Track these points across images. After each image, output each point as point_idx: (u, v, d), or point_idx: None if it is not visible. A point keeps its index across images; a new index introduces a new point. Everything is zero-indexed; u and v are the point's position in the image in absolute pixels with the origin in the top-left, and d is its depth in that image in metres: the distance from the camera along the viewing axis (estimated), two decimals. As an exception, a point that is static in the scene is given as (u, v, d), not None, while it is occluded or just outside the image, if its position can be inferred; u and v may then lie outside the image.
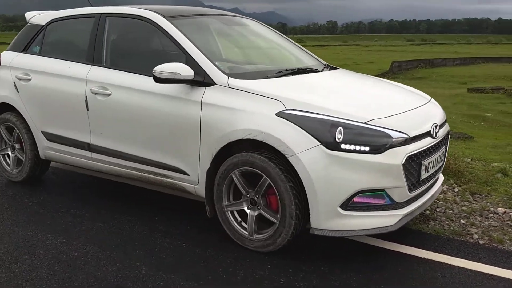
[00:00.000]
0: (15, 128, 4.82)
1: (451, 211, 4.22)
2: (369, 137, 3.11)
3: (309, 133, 3.11)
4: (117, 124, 4.04)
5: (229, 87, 3.49)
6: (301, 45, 4.94)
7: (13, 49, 4.95)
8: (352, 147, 3.08)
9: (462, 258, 3.39)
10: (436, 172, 3.68)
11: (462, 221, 4.02)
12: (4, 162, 5.05)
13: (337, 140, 3.07)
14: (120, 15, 4.27)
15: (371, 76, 4.65)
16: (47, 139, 4.59)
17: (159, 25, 3.93)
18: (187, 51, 3.72)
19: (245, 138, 3.31)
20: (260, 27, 4.93)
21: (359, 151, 3.08)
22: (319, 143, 3.08)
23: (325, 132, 3.09)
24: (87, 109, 4.16)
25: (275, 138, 3.18)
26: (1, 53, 5.02)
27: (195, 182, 3.69)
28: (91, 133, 4.22)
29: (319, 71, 4.21)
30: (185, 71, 3.54)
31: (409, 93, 4.04)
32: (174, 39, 3.82)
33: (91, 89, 4.12)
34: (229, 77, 3.55)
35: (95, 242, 3.61)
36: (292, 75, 3.95)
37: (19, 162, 4.95)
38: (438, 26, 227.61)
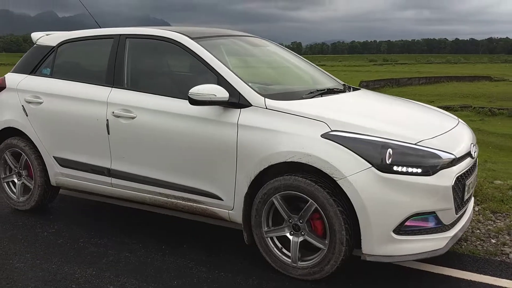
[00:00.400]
0: (23, 154, 4.58)
1: (478, 231, 4.22)
2: (420, 158, 3.07)
3: (358, 155, 3.04)
4: (142, 148, 3.88)
5: (266, 108, 3.40)
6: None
7: (20, 71, 4.73)
8: (404, 169, 3.03)
9: (507, 278, 3.37)
10: (472, 192, 3.68)
11: (492, 240, 4.02)
12: (8, 189, 4.79)
13: (388, 162, 3.02)
14: (142, 37, 4.14)
15: (394, 96, 4.64)
16: (60, 165, 4.38)
17: (186, 47, 3.82)
18: (219, 73, 3.62)
19: (288, 160, 3.21)
20: (277, 47, 4.88)
21: (411, 173, 3.03)
22: (370, 165, 3.01)
23: (375, 154, 3.03)
24: (108, 133, 3.99)
25: (322, 161, 3.09)
26: (5, 76, 4.80)
27: (229, 207, 3.57)
28: (111, 158, 4.05)
29: (346, 91, 4.17)
30: (221, 92, 3.44)
31: (439, 113, 4.04)
32: (204, 60, 3.71)
33: (113, 112, 3.95)
34: (266, 98, 3.46)
35: (127, 273, 3.43)
36: (322, 95, 3.90)
37: (26, 189, 4.71)
38: (398, 47, 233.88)
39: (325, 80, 4.54)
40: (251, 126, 3.39)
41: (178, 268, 3.52)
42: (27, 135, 4.53)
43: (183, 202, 3.78)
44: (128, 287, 3.24)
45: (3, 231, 4.24)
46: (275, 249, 3.39)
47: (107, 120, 3.98)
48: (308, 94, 3.79)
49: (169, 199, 3.86)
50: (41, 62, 4.60)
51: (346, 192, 3.04)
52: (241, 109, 3.46)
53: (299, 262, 3.29)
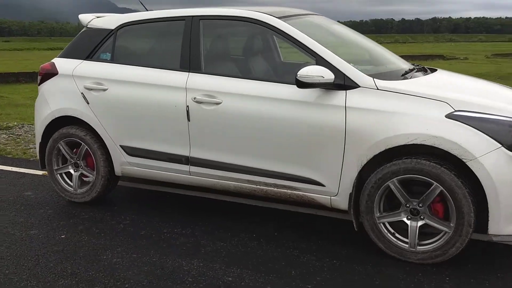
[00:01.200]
0: (82, 144, 4.35)
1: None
2: None
3: (487, 135, 3.05)
4: (229, 135, 3.76)
5: (378, 89, 3.36)
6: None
7: (71, 56, 4.46)
8: (531, 148, 3.05)
9: None
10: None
11: None
12: (62, 181, 4.55)
13: None
14: (218, 17, 3.98)
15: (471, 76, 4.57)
16: (129, 154, 4.19)
17: (275, 27, 3.70)
18: (318, 53, 3.52)
19: (409, 143, 3.19)
20: (341, 26, 4.76)
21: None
22: (500, 145, 3.03)
23: (504, 133, 3.05)
24: (188, 120, 3.84)
25: (450, 142, 3.08)
26: (53, 61, 4.51)
27: (332, 193, 3.53)
28: (190, 145, 3.91)
29: (432, 71, 4.11)
30: (327, 74, 3.35)
31: None
32: (299, 41, 3.60)
33: (194, 98, 3.80)
34: (375, 79, 3.41)
35: (236, 264, 3.33)
36: (421, 75, 3.83)
37: (83, 180, 4.49)
38: (347, 27, 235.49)
39: (395, 59, 4.36)
40: (362, 108, 3.34)
41: (285, 257, 3.44)
42: (88, 124, 4.30)
43: (275, 189, 3.71)
44: (247, 278, 3.15)
45: (73, 225, 4.03)
46: (388, 234, 3.39)
47: (187, 106, 3.83)
48: (405, 73, 3.73)
49: (259, 186, 3.77)
50: (98, 47, 4.34)
51: (476, 173, 3.05)
52: (347, 91, 3.40)
53: (417, 247, 3.30)
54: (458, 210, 3.13)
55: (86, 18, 4.54)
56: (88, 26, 4.47)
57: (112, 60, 4.28)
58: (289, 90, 3.53)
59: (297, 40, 3.62)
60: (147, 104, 4.02)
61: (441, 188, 3.14)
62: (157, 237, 3.78)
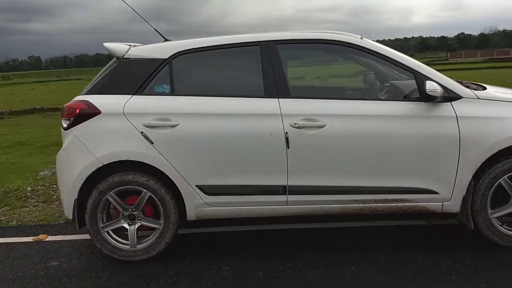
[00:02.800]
0: (144, 191, 3.75)
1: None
2: None
3: None
4: (335, 157, 3.68)
5: (478, 98, 3.66)
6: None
7: (111, 91, 3.82)
8: None
9: None
10: None
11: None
12: (112, 239, 3.85)
13: None
14: (296, 41, 3.88)
15: None
16: (207, 194, 3.76)
17: (365, 48, 3.78)
18: (416, 70, 3.70)
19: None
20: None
21: None
22: None
23: None
24: (288, 147, 3.65)
25: None
26: (86, 99, 3.81)
27: (445, 199, 3.72)
28: (288, 174, 3.70)
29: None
30: (440, 88, 3.57)
31: None
32: (394, 59, 3.75)
33: (295, 123, 3.63)
34: (472, 90, 3.72)
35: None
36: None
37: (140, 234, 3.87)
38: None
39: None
40: (471, 116, 3.61)
41: (435, 275, 3.45)
42: (151, 167, 3.74)
43: (385, 204, 3.75)
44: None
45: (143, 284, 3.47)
46: (500, 227, 3.72)
47: (286, 133, 3.64)
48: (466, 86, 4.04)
49: (367, 205, 3.76)
50: (150, 79, 3.82)
51: None
52: (452, 102, 3.64)
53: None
54: None
55: (122, 48, 3.93)
56: (126, 57, 3.89)
57: (173, 93, 3.81)
58: (394, 107, 3.64)
59: (391, 59, 3.75)
60: (233, 136, 3.69)
61: None
62: (269, 279, 3.49)
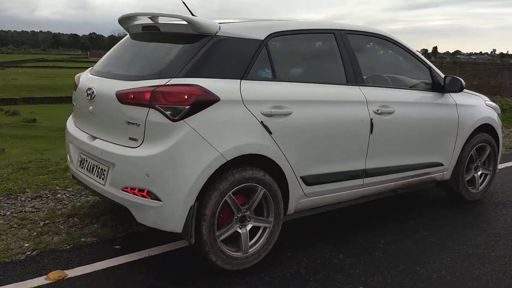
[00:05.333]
0: (259, 188, 3.35)
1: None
2: None
3: None
4: (398, 140, 4.19)
5: (464, 92, 4.78)
6: None
7: (217, 74, 3.23)
8: None
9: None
10: None
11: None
12: (226, 249, 3.29)
13: None
14: (358, 33, 4.13)
15: None
16: (308, 184, 3.66)
17: (400, 44, 4.39)
18: (429, 66, 4.56)
19: (483, 123, 4.88)
20: None
21: None
22: None
23: None
24: (371, 132, 3.95)
25: (491, 119, 5.00)
26: (199, 84, 3.12)
27: (445, 169, 4.73)
28: (366, 157, 4.00)
29: None
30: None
31: None
32: (416, 55, 4.50)
33: (377, 110, 3.96)
34: None
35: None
36: None
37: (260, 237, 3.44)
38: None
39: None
40: (462, 104, 4.72)
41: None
42: (267, 160, 3.37)
43: (419, 178, 4.50)
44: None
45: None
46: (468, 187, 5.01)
47: (371, 119, 3.93)
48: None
49: (407, 180, 4.42)
50: (253, 61, 3.41)
51: None
52: (450, 93, 4.65)
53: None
54: None
55: (212, 23, 3.33)
56: (219, 34, 3.34)
57: (275, 78, 3.51)
58: (429, 95, 4.44)
59: (415, 54, 4.51)
60: (334, 123, 3.72)
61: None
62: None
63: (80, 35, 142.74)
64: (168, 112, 3.02)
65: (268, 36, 3.52)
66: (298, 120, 3.48)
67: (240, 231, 3.35)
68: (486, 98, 5.21)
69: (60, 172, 5.54)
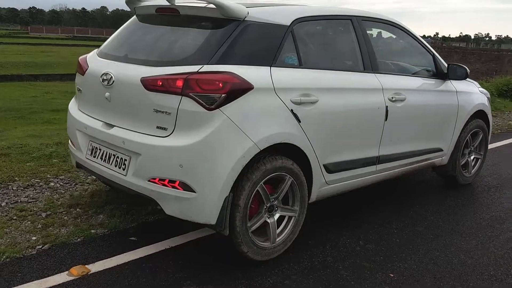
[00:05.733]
0: (288, 177, 3.30)
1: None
2: None
3: None
4: (409, 127, 4.24)
5: (465, 80, 4.85)
6: None
7: (246, 61, 3.12)
8: None
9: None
10: None
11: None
12: (256, 239, 3.23)
13: None
14: (371, 19, 4.09)
15: None
16: (330, 172, 3.64)
17: (408, 31, 4.41)
18: (433, 53, 4.61)
19: (478, 109, 5.02)
20: None
21: None
22: None
23: None
24: (386, 119, 3.97)
25: (484, 105, 5.14)
26: (233, 71, 3.01)
27: (443, 154, 4.84)
28: (380, 145, 4.02)
29: None
30: None
31: None
32: (422, 42, 4.54)
33: (392, 97, 3.98)
34: None
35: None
36: None
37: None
38: None
39: None
40: (461, 91, 4.82)
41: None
42: (298, 149, 3.33)
43: (421, 163, 4.58)
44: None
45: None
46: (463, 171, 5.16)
47: (387, 106, 3.95)
48: None
49: (413, 166, 4.50)
50: (280, 48, 3.32)
51: None
52: (449, 80, 4.73)
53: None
54: None
55: (240, 8, 3.19)
56: (248, 19, 3.22)
57: (301, 65, 3.43)
58: (433, 82, 4.49)
59: (421, 41, 4.54)
60: (354, 111, 3.70)
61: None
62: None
63: (19, 9, 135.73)
64: (203, 101, 2.89)
65: (293, 21, 3.43)
66: (323, 108, 3.44)
67: (268, 220, 3.30)
68: (477, 84, 5.35)
69: (45, 159, 5.26)
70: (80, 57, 3.86)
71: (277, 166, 3.20)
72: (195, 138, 2.91)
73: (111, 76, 3.27)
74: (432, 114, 4.51)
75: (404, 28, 4.40)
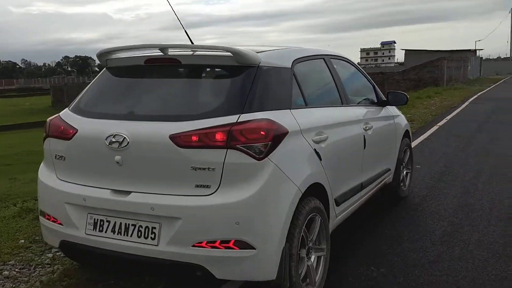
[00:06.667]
0: (317, 216, 3.31)
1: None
2: None
3: None
4: (375, 152, 4.54)
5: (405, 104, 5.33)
6: None
7: (270, 106, 3.08)
8: None
9: None
10: None
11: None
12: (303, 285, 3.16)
13: None
14: (337, 57, 4.34)
15: None
16: (337, 204, 3.73)
17: (356, 65, 4.75)
18: (373, 83, 5.02)
19: (406, 129, 5.58)
20: None
21: None
22: None
23: None
24: (364, 147, 4.21)
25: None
26: (269, 117, 2.94)
27: (391, 173, 5.26)
28: (362, 172, 4.25)
29: None
30: None
31: None
32: (366, 75, 4.91)
33: (365, 127, 4.25)
34: None
35: None
36: None
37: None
38: None
39: None
40: (395, 115, 5.31)
41: None
42: (321, 187, 3.35)
43: (380, 184, 4.91)
44: None
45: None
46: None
47: (364, 135, 4.20)
48: None
49: (376, 187, 4.80)
50: (292, 91, 3.36)
51: None
52: (388, 106, 5.19)
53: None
54: None
55: (254, 54, 3.15)
56: (262, 65, 3.17)
57: (306, 105, 3.49)
58: (376, 110, 4.88)
59: (365, 74, 4.91)
60: (348, 143, 3.92)
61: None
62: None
63: None
64: (251, 151, 2.78)
65: (292, 63, 3.49)
66: (332, 144, 3.55)
67: (308, 264, 3.24)
68: None
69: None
70: (51, 119, 3.39)
71: (312, 207, 3.19)
72: (248, 191, 2.77)
73: (124, 137, 2.94)
74: (385, 139, 4.90)
75: (353, 63, 4.74)
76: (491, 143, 9.63)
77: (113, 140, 2.96)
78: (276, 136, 2.88)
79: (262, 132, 2.83)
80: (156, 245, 2.88)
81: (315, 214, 3.25)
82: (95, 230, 3.08)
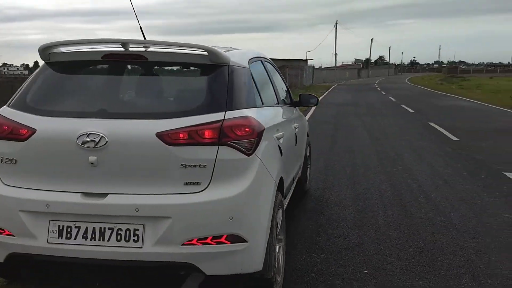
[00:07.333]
0: (281, 210, 3.51)
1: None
2: None
3: None
4: (299, 149, 4.89)
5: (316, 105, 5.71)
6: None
7: (242, 104, 3.15)
8: None
9: None
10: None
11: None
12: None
13: None
14: (266, 60, 4.52)
15: None
16: (285, 198, 3.96)
17: (277, 68, 5.03)
18: (287, 85, 5.35)
19: (308, 129, 6.04)
20: None
21: None
22: None
23: None
24: (295, 144, 4.52)
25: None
26: (248, 117, 3.05)
27: (300, 167, 5.59)
28: (294, 166, 4.57)
29: None
30: None
31: None
32: (283, 77, 5.21)
33: (295, 125, 4.58)
34: None
35: None
36: None
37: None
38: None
39: None
40: (301, 115, 5.70)
41: None
42: (282, 181, 3.58)
43: (296, 180, 5.23)
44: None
45: None
46: None
47: (295, 133, 4.53)
48: None
49: (295, 183, 5.11)
50: (256, 89, 3.52)
51: None
52: (296, 107, 5.56)
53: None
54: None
55: (224, 54, 3.20)
56: (231, 64, 3.24)
57: (263, 104, 3.64)
58: (294, 110, 5.22)
59: (282, 77, 5.21)
60: (291, 140, 4.29)
61: None
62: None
63: None
64: (242, 147, 2.88)
65: (248, 63, 3.62)
66: (285, 141, 3.79)
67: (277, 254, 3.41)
68: None
69: None
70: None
71: (279, 200, 3.38)
72: (241, 186, 2.86)
73: (101, 136, 2.80)
74: (302, 136, 5.26)
75: (275, 65, 5.00)
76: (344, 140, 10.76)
77: (87, 139, 2.80)
78: (259, 133, 3.01)
79: (248, 129, 2.93)
80: (140, 247, 2.80)
81: (280, 207, 3.43)
82: (61, 238, 2.87)
